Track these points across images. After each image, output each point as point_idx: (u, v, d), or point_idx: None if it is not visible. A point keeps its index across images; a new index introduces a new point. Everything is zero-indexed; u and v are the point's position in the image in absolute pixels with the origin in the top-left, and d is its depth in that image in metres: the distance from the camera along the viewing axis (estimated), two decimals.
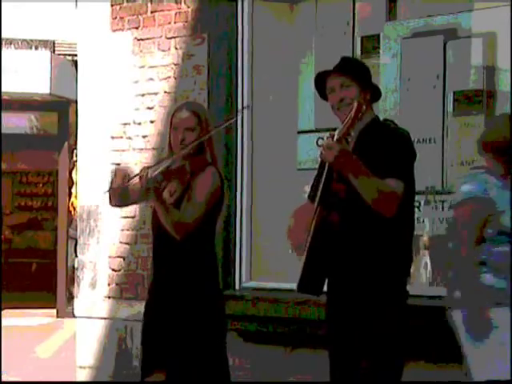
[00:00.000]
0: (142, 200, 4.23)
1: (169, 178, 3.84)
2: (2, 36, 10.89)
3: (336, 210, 3.56)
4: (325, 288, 3.72)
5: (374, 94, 3.77)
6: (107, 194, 4.08)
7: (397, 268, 3.61)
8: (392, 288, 3.59)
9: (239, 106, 5.68)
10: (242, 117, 5.68)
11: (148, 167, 3.82)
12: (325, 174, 3.55)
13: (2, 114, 11.50)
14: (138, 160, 6.01)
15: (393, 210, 3.45)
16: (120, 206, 4.38)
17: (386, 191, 3.45)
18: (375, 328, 3.54)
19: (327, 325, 3.78)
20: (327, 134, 4.72)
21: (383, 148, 3.55)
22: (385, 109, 4.99)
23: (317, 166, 3.84)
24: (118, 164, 5.94)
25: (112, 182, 4.01)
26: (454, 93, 5.00)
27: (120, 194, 4.07)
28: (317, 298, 3.78)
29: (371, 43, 5.33)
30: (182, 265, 3.91)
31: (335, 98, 3.66)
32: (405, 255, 3.68)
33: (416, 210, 4.91)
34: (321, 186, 3.57)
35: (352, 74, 3.65)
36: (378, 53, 5.28)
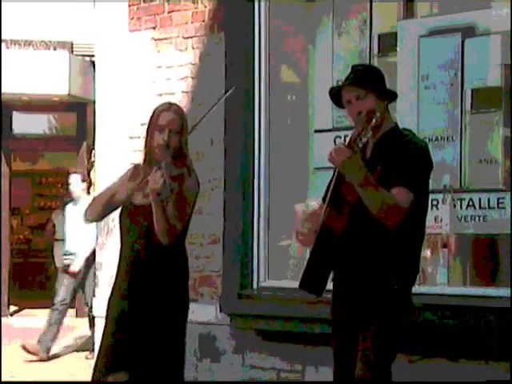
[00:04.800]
0: (123, 203, 4.12)
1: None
2: (21, 37, 10.96)
3: (344, 212, 3.55)
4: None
5: (391, 97, 3.76)
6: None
7: (399, 275, 3.59)
8: (392, 295, 3.56)
9: (256, 106, 5.68)
10: (260, 117, 5.68)
11: (159, 170, 3.76)
12: (335, 175, 3.54)
13: (22, 115, 11.58)
14: None
15: (396, 223, 3.43)
16: (97, 220, 4.30)
17: (391, 204, 3.42)
18: (374, 333, 3.52)
19: (332, 324, 3.79)
20: (344, 132, 4.72)
21: (398, 158, 3.54)
22: (402, 107, 4.98)
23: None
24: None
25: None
26: (472, 90, 4.98)
27: (106, 204, 4.07)
28: None
29: (388, 41, 5.31)
30: (164, 268, 3.94)
31: (353, 111, 3.66)
32: (409, 264, 3.65)
33: (434, 208, 4.92)
34: (331, 187, 3.56)
35: (367, 86, 3.63)
36: (396, 51, 5.26)
